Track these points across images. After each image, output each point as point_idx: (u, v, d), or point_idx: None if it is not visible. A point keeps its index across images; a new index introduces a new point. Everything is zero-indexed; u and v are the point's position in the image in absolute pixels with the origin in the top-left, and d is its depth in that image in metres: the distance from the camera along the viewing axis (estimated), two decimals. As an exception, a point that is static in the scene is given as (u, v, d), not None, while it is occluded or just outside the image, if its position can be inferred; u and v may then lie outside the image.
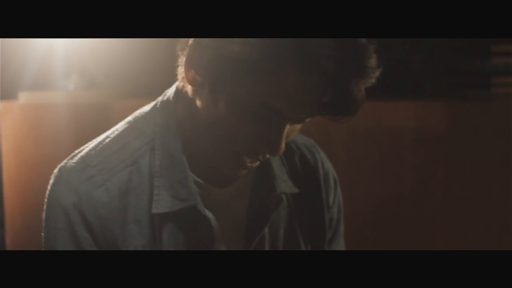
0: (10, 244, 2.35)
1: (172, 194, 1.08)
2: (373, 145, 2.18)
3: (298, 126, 1.05)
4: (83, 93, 2.38)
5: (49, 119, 2.27)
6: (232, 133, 1.01)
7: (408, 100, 2.24)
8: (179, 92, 1.11)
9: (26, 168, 2.31)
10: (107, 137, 1.12)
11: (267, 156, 1.05)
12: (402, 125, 2.23)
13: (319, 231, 1.23)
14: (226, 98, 1.00)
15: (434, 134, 2.22)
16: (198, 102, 1.05)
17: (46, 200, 1.10)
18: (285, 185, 1.16)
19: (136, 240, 1.08)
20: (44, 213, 1.10)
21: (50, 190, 1.09)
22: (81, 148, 1.13)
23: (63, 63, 2.34)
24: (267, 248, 1.16)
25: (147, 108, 1.15)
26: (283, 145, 1.02)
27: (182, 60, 1.05)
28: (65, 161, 1.11)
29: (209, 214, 1.10)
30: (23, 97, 2.33)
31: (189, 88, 1.07)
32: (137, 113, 1.15)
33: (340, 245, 1.29)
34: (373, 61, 0.95)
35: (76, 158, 1.10)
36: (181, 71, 1.07)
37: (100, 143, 1.11)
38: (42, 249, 1.10)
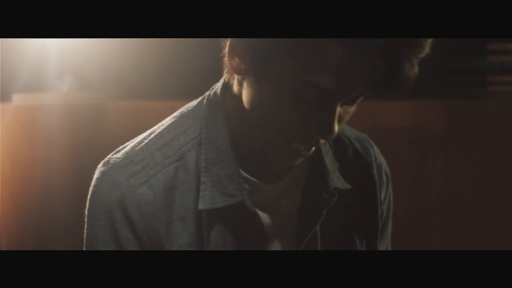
0: (4, 245, 2.34)
1: (219, 190, 1.05)
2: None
3: (351, 109, 1.01)
4: (77, 94, 2.37)
5: (43, 121, 2.26)
6: (282, 120, 0.98)
7: (403, 99, 2.24)
8: (226, 85, 1.08)
9: (20, 170, 2.31)
10: (152, 132, 1.10)
11: (321, 141, 1.02)
12: (397, 124, 2.22)
13: (373, 227, 1.19)
14: (272, 83, 0.97)
15: (430, 133, 2.21)
16: (244, 92, 1.03)
17: (89, 196, 1.08)
18: (338, 180, 1.13)
19: (181, 239, 1.05)
20: (86, 209, 1.08)
21: (93, 186, 1.07)
22: (126, 143, 1.11)
23: (57, 64, 2.33)
24: (319, 245, 1.13)
25: (194, 103, 1.12)
26: (336, 128, 0.98)
27: (226, 50, 1.02)
28: (109, 156, 1.09)
29: (258, 211, 1.07)
30: (17, 99, 2.32)
31: (235, 79, 1.05)
32: (184, 108, 1.13)
33: (384, 243, 1.25)
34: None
35: (120, 153, 1.08)
36: (226, 61, 1.04)
37: (145, 138, 1.10)
38: (84, 248, 1.08)
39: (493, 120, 2.23)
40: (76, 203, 2.27)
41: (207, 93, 1.11)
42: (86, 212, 1.08)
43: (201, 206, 1.05)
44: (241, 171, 1.07)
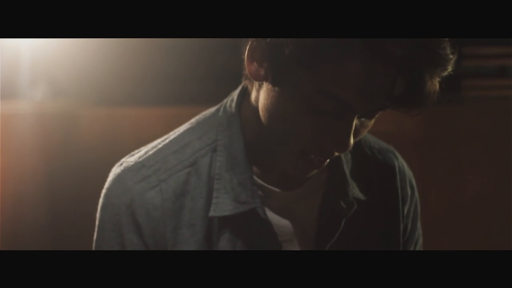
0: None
1: (232, 197, 1.04)
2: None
3: (369, 123, 0.99)
4: (50, 102, 2.34)
5: (14, 130, 2.23)
6: (297, 130, 0.97)
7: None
8: (244, 91, 1.08)
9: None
10: (167, 137, 1.10)
11: (336, 154, 1.00)
12: (373, 130, 2.21)
13: (393, 240, 1.17)
14: (289, 91, 0.96)
15: (406, 139, 2.21)
16: (261, 99, 1.01)
17: (100, 198, 1.08)
18: (357, 191, 1.11)
19: (188, 245, 1.04)
20: (97, 212, 1.08)
21: (104, 189, 1.07)
22: (141, 148, 1.10)
23: (29, 71, 2.30)
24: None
25: (211, 110, 1.12)
26: (351, 141, 0.96)
27: (245, 55, 1.01)
28: (123, 159, 1.09)
29: (272, 218, 1.06)
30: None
31: (253, 86, 1.04)
32: (201, 115, 1.12)
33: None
34: (446, 48, 0.90)
35: (133, 157, 1.08)
36: (244, 67, 1.02)
37: (159, 143, 1.09)
38: (93, 249, 1.08)
39: (469, 125, 2.24)
40: (48, 211, 2.25)
41: (225, 100, 1.11)
42: (97, 214, 1.08)
43: (212, 213, 1.04)
44: (256, 178, 1.06)
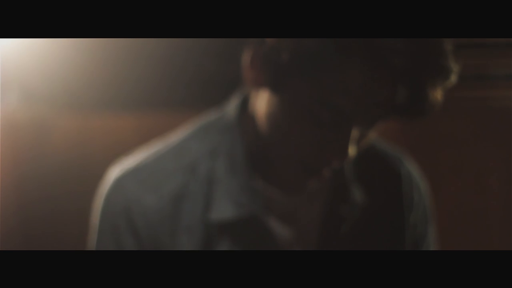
0: None
1: (231, 201, 1.03)
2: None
3: (369, 132, 0.99)
4: (19, 107, 2.27)
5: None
6: (295, 138, 0.97)
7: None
8: (244, 98, 1.08)
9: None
10: (167, 141, 1.10)
11: (336, 164, 1.00)
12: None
13: (397, 247, 1.16)
14: (288, 99, 0.96)
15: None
16: (260, 106, 1.02)
17: (97, 201, 1.08)
18: (360, 196, 1.10)
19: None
20: (93, 215, 1.08)
21: (104, 193, 1.07)
22: (140, 151, 1.10)
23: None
24: None
25: (212, 114, 1.12)
26: (350, 152, 0.96)
27: (245, 61, 1.02)
28: (121, 162, 1.08)
29: (272, 224, 1.05)
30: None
31: (253, 92, 1.04)
32: (202, 120, 1.12)
33: None
34: (448, 59, 0.91)
35: (132, 160, 1.08)
36: (244, 73, 1.03)
37: (158, 146, 1.09)
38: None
39: (447, 132, 2.21)
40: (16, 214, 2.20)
41: (225, 105, 1.11)
42: (94, 217, 1.07)
43: (211, 217, 1.03)
44: (257, 183, 1.06)
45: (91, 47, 2.16)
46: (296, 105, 0.96)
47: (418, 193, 1.19)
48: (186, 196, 1.05)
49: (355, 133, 0.96)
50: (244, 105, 1.09)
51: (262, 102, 1.02)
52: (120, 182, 1.06)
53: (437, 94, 0.94)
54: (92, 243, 1.08)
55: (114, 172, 1.08)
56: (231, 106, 1.10)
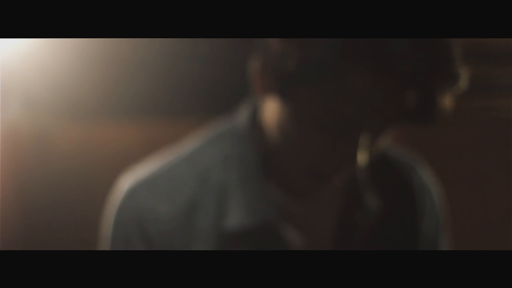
0: None
1: (245, 209, 1.03)
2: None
3: (378, 139, 0.98)
4: (21, 116, 2.27)
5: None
6: (304, 146, 0.98)
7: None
8: (255, 105, 1.08)
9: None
10: (179, 149, 1.10)
11: (347, 170, 0.99)
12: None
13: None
14: (296, 107, 0.96)
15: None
16: (270, 114, 1.02)
17: (109, 210, 1.07)
18: (373, 203, 1.10)
19: None
20: (105, 224, 1.07)
21: (116, 203, 1.06)
22: (152, 160, 1.10)
23: None
24: None
25: (223, 123, 1.12)
26: (360, 159, 0.96)
27: (254, 68, 1.01)
28: (132, 171, 1.08)
29: (286, 231, 1.05)
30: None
31: (261, 99, 1.05)
32: (213, 128, 1.12)
33: None
34: (457, 65, 0.91)
35: (144, 170, 1.07)
36: (254, 80, 1.03)
37: (171, 155, 1.09)
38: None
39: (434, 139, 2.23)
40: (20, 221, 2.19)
41: (235, 114, 1.11)
42: (106, 227, 1.07)
43: (225, 225, 1.03)
44: (270, 191, 1.06)
45: (93, 56, 2.16)
46: (304, 112, 0.96)
47: (430, 201, 1.18)
48: (200, 205, 1.04)
49: (364, 140, 0.96)
50: (255, 112, 1.09)
51: (271, 110, 1.03)
52: (133, 192, 1.05)
53: (446, 101, 0.93)
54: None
55: (127, 182, 1.07)
56: (242, 115, 1.10)
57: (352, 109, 0.92)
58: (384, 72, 0.89)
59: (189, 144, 1.11)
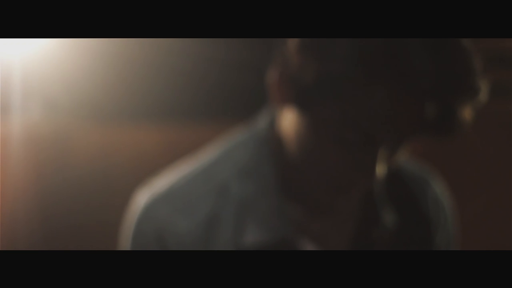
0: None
1: (263, 225, 1.02)
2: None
3: (397, 153, 0.98)
4: (42, 119, 2.29)
5: (7, 148, 2.18)
6: (322, 159, 0.97)
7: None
8: (272, 114, 1.07)
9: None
10: (196, 161, 1.09)
11: (365, 184, 0.99)
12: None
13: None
14: (313, 119, 0.96)
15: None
16: (288, 125, 1.01)
17: (127, 224, 1.06)
18: (390, 218, 1.09)
19: None
20: (123, 237, 1.07)
21: (132, 215, 1.06)
22: (168, 171, 1.09)
23: (19, 86, 2.25)
24: None
25: (240, 133, 1.11)
26: (378, 172, 0.95)
27: (272, 77, 1.01)
28: (150, 183, 1.07)
29: (303, 246, 1.04)
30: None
31: (278, 109, 1.04)
32: (230, 138, 1.11)
33: None
34: (477, 79, 0.90)
35: (162, 181, 1.07)
36: (272, 90, 1.02)
37: (188, 167, 1.08)
38: None
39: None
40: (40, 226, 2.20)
41: (253, 124, 1.10)
42: (124, 240, 1.07)
43: (243, 241, 1.02)
44: (287, 205, 1.05)
45: (114, 58, 2.17)
46: (322, 125, 0.95)
47: (444, 215, 1.18)
48: (218, 219, 1.04)
49: (382, 153, 0.95)
50: (273, 123, 1.09)
51: (289, 120, 1.02)
52: (151, 208, 1.04)
53: (466, 113, 0.92)
54: None
55: (144, 197, 1.06)
56: (260, 125, 1.09)
57: (371, 122, 0.92)
58: (403, 86, 0.89)
59: (206, 155, 1.10)
